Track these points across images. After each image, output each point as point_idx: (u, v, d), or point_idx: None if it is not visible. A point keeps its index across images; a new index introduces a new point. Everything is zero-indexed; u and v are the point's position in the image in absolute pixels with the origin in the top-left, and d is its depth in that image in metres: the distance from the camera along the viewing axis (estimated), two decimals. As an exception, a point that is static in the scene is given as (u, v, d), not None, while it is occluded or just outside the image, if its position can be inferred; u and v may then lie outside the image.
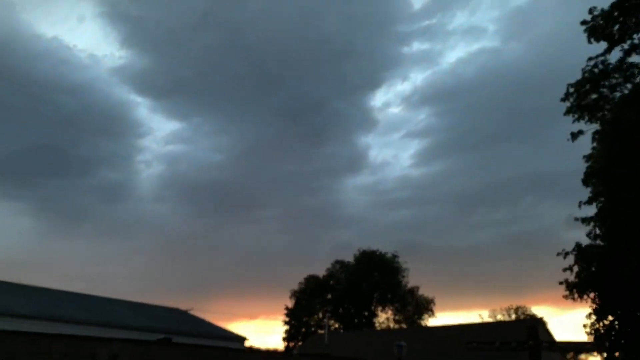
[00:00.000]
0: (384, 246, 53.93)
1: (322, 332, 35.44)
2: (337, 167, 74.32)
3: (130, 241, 69.02)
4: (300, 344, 43.18)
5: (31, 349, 4.50)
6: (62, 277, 60.87)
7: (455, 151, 70.95)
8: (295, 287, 49.05)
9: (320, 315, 47.17)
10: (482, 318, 53.28)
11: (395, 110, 76.43)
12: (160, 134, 75.31)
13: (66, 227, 64.68)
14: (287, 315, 46.99)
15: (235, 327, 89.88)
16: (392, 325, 46.00)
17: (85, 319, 19.87)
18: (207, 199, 73.69)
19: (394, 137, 77.31)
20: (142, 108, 71.11)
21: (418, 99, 72.24)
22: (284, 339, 46.42)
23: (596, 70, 16.73)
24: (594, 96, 16.95)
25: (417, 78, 75.84)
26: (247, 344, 27.69)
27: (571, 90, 17.07)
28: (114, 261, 67.97)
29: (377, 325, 45.95)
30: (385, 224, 69.72)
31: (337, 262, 49.62)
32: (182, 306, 36.00)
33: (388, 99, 76.69)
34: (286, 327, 46.74)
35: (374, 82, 70.75)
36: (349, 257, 49.93)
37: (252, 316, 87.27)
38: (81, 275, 64.05)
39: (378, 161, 76.03)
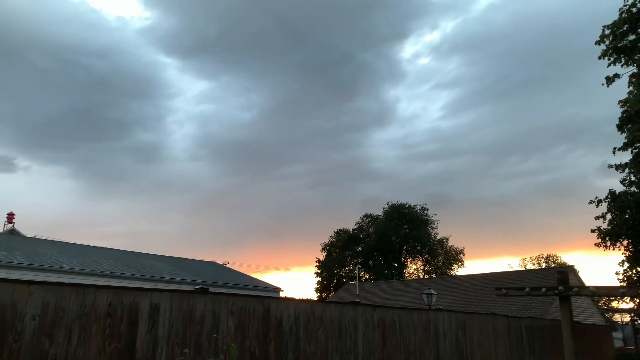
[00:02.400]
0: (413, 199, 54.29)
1: (353, 282, 36.38)
2: (366, 122, 73.72)
3: (166, 199, 71.59)
4: (332, 294, 44.60)
5: (78, 299, 4.82)
6: (103, 234, 64.38)
7: (485, 101, 68.98)
8: (326, 240, 50.23)
9: (351, 267, 48.31)
10: (512, 267, 53.43)
11: (424, 61, 74.04)
12: (190, 94, 75.96)
13: (105, 187, 67.52)
14: (318, 267, 48.23)
15: (270, 278, 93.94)
16: (421, 275, 46.76)
17: (127, 273, 21.01)
18: (239, 157, 74.98)
19: (423, 89, 75.38)
20: (171, 69, 71.43)
21: (447, 49, 69.67)
22: (317, 290, 47.96)
23: (634, 9, 15.56)
24: (631, 37, 15.89)
25: (447, 26, 72.60)
26: (281, 294, 28.80)
27: (607, 32, 16.01)
28: (152, 219, 71.18)
29: (406, 276, 46.76)
30: (414, 177, 69.67)
31: (366, 215, 50.12)
32: (219, 260, 37.63)
33: (417, 49, 74.14)
34: (318, 279, 48.17)
35: (401, 33, 68.29)
36: (378, 211, 50.42)
37: (286, 268, 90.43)
38: (121, 232, 67.61)
39: (407, 114, 74.82)
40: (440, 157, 70.59)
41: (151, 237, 69.39)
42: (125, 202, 68.62)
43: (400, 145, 73.41)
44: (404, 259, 47.82)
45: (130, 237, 68.84)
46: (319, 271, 48.20)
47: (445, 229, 56.78)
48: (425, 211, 47.66)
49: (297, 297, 7.93)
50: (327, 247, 49.29)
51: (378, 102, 72.56)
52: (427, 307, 16.05)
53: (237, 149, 73.31)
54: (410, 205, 47.82)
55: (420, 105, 78.32)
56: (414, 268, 47.70)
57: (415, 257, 47.37)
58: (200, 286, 6.87)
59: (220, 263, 37.69)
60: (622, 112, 16.46)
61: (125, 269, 21.99)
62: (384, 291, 30.22)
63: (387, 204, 48.69)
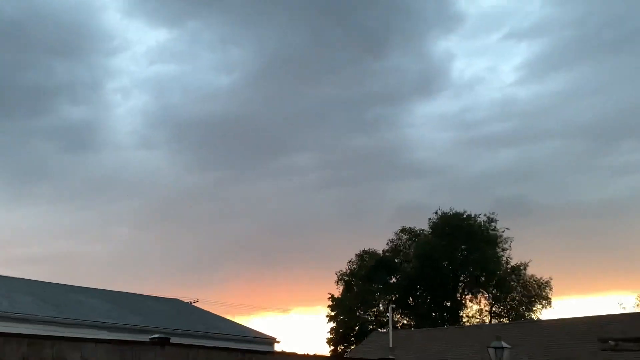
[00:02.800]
0: (475, 206, 53.73)
1: (385, 330, 36.31)
2: (402, 89, 73.68)
3: (106, 206, 72.22)
4: (352, 347, 44.63)
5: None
6: (13, 258, 65.22)
7: (585, 57, 68.32)
8: (344, 267, 50.24)
9: (381, 307, 48.23)
10: (625, 308, 52.92)
11: (490, -2, 73.75)
12: (140, 48, 76.43)
13: (15, 189, 68.18)
14: (332, 307, 48.37)
15: (260, 324, 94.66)
16: (487, 320, 46.60)
17: (48, 316, 21.18)
18: (213, 143, 75.52)
19: (490, 40, 75.07)
20: (112, 11, 71.89)
21: (527, -23, 69.40)
22: (330, 341, 48.03)
23: None
24: None
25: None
26: (277, 347, 28.95)
27: None
28: (84, 235, 71.86)
29: (465, 321, 46.63)
30: (476, 174, 69.42)
31: (404, 231, 50.01)
32: (184, 297, 37.89)
33: (479, -21, 73.77)
34: (332, 325, 48.24)
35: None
36: (422, 224, 50.15)
37: (284, 309, 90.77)
38: (40, 255, 68.32)
39: (465, 78, 74.57)
40: (516, 143, 70.31)
41: (83, 262, 70.18)
42: (45, 211, 69.36)
43: (455, 124, 73.33)
44: (461, 295, 47.71)
45: (52, 261, 69.60)
46: (332, 313, 48.31)
47: (522, 251, 56.11)
48: (493, 224, 47.48)
49: (300, 351, 7.96)
50: (346, 278, 49.35)
51: (421, 60, 72.37)
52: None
53: (210, 130, 73.78)
54: (470, 216, 47.62)
55: (486, 64, 78.11)
56: (475, 309, 47.66)
57: (478, 292, 47.20)
58: (157, 336, 6.87)
59: (186, 301, 37.99)
60: None
61: (46, 309, 22.15)
62: (430, 343, 30.12)
63: (436, 213, 48.55)
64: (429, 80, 72.83)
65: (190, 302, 40.84)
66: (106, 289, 30.04)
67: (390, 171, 73.60)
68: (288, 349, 27.57)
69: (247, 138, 74.18)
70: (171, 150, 74.63)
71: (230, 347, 12.79)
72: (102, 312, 24.94)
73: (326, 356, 30.61)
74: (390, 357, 20.35)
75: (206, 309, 35.59)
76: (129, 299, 29.80)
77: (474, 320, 46.75)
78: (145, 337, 14.66)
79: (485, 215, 47.78)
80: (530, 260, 46.84)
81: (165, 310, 30.34)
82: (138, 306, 28.57)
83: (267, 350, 24.17)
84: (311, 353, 18.17)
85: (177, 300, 35.24)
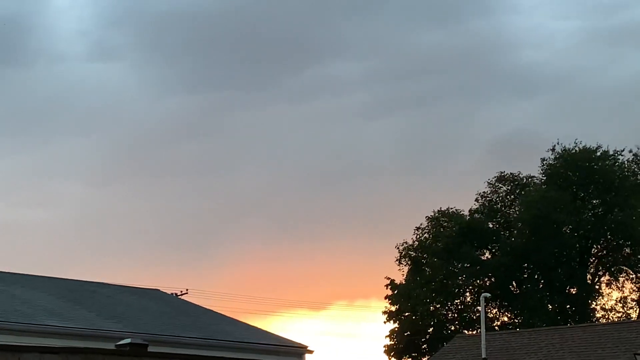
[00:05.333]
0: (614, 137, 52.98)
1: (474, 332, 36.43)
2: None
3: (48, 149, 73.21)
4: (425, 358, 45.19)
5: None
6: None
7: None
8: (409, 237, 50.63)
9: (469, 297, 48.70)
10: None
11: None
12: None
13: None
14: (393, 299, 48.85)
15: (282, 327, 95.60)
16: (634, 314, 46.85)
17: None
18: (203, 49, 75.09)
19: None
20: None
21: None
22: (390, 350, 48.68)
23: None
24: None
25: None
26: (310, 358, 29.55)
27: None
28: (18, 195, 72.87)
29: (599, 315, 46.85)
30: (618, 85, 68.27)
31: (502, 178, 50.30)
32: (167, 287, 38.71)
33: None
34: (393, 326, 48.94)
35: None
36: (531, 167, 50.19)
37: (317, 305, 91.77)
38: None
39: None
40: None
41: (18, 236, 71.33)
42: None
43: (586, 9, 71.65)
44: (594, 277, 47.94)
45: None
46: (393, 308, 48.81)
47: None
48: (645, 164, 47.29)
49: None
50: (412, 254, 49.73)
51: None
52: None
53: (197, 30, 73.57)
54: (606, 153, 47.51)
55: None
56: (616, 297, 47.76)
57: (621, 272, 47.26)
58: (127, 340, 7.29)
59: (170, 293, 38.84)
60: None
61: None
62: (546, 349, 30.41)
63: (552, 149, 48.56)
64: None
65: (176, 294, 41.73)
66: (54, 277, 30.77)
67: (481, 85, 73.00)
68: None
69: (253, 40, 73.35)
70: (140, 62, 74.96)
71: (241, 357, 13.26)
72: (49, 310, 25.59)
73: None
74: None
75: (200, 305, 36.29)
76: (87, 290, 30.47)
77: (614, 316, 46.94)
78: (111, 345, 15.07)
79: (631, 151, 47.78)
80: None
81: (140, 306, 30.99)
82: (101, 301, 29.19)
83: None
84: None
85: (156, 291, 35.87)
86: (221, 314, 33.92)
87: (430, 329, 48.14)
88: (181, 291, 45.14)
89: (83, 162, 71.42)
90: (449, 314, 48.95)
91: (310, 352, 30.38)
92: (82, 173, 72.08)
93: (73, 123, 72.19)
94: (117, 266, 71.74)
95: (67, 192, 71.41)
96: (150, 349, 13.54)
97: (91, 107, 72.27)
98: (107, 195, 74.27)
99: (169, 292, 39.29)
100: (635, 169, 47.33)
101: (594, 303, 47.43)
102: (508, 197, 50.17)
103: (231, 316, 34.43)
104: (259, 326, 33.32)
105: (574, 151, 47.58)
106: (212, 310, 34.44)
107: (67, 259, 69.64)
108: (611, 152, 47.42)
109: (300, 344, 30.91)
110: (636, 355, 20.87)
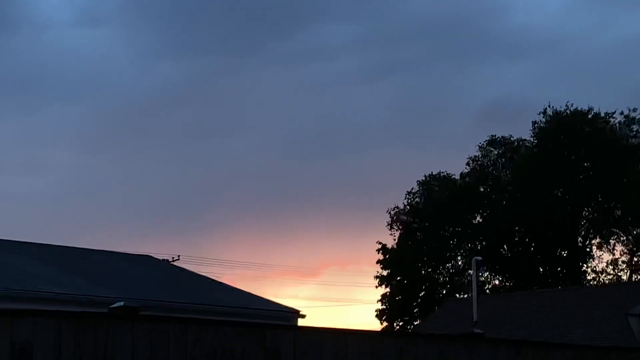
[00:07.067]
0: (606, 100, 52.90)
1: (466, 295, 36.37)
2: None
3: (35, 116, 72.88)
4: (417, 323, 45.27)
5: None
6: None
7: None
8: (400, 202, 50.64)
9: (460, 261, 48.74)
10: None
11: None
12: None
13: None
14: (385, 263, 48.86)
15: (274, 293, 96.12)
16: (624, 276, 46.86)
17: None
18: (193, 13, 74.53)
19: None
20: None
21: None
22: (382, 314, 48.82)
23: None
24: None
25: None
26: (302, 322, 29.45)
27: None
28: (7, 162, 72.76)
29: (590, 278, 46.99)
30: (609, 47, 68.06)
31: (493, 142, 50.19)
32: (159, 253, 38.55)
33: None
34: (385, 290, 48.99)
35: None
36: (522, 131, 50.10)
37: (312, 271, 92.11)
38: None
39: None
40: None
41: (6, 204, 71.15)
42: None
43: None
44: (585, 239, 47.92)
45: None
46: (384, 273, 48.83)
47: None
48: (635, 127, 47.31)
49: (339, 327, 8.15)
50: (404, 218, 49.62)
51: None
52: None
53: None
54: (598, 115, 47.29)
55: None
56: (607, 260, 47.82)
57: (612, 234, 47.25)
58: (120, 303, 7.00)
59: (160, 258, 38.74)
60: None
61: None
62: (538, 312, 30.39)
63: (544, 112, 48.36)
64: None
65: (168, 261, 41.61)
66: (45, 244, 30.55)
67: (472, 48, 72.90)
68: (319, 325, 28.01)
69: (242, 4, 73.14)
70: (127, 29, 74.45)
71: (237, 321, 13.01)
72: (41, 276, 25.47)
73: (379, 331, 30.97)
74: (476, 330, 20.54)
75: (195, 270, 36.26)
76: (78, 257, 30.32)
77: (606, 278, 47.01)
78: (104, 311, 14.94)
79: (622, 113, 47.44)
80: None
81: (131, 272, 30.92)
82: (91, 267, 29.07)
83: (286, 324, 24.59)
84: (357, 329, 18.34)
85: (147, 257, 35.83)
86: (213, 280, 33.97)
87: (422, 293, 48.21)
88: (173, 257, 45.07)
89: (72, 129, 71.30)
90: (440, 278, 48.93)
91: (303, 316, 30.46)
92: (71, 141, 71.89)
93: (62, 90, 71.95)
94: (108, 233, 71.66)
95: (57, 159, 71.19)
96: (142, 313, 13.48)
97: (79, 75, 72.13)
98: (97, 163, 74.18)
99: (161, 258, 39.21)
100: (627, 131, 47.13)
101: (585, 266, 47.47)
102: (499, 160, 50.04)
103: (223, 282, 34.53)
104: (251, 291, 33.31)
105: (565, 114, 47.39)
106: (203, 276, 34.45)
107: (58, 226, 69.55)
108: (602, 115, 47.20)
109: (292, 308, 31.00)
110: (627, 316, 20.84)
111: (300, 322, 29.52)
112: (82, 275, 27.31)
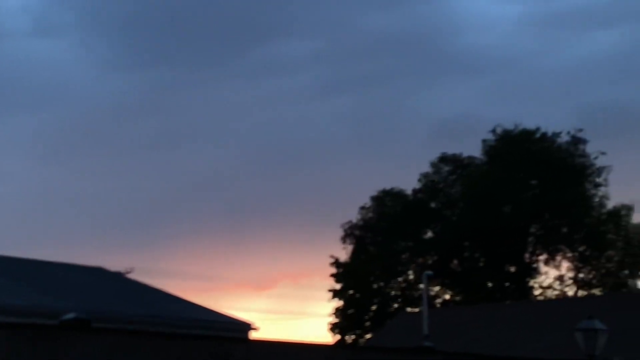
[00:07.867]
0: (553, 120, 53.15)
1: (417, 309, 36.51)
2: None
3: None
4: (368, 336, 45.29)
5: None
6: None
7: None
8: (354, 216, 50.53)
9: (411, 275, 48.74)
10: None
11: None
12: None
13: None
14: (338, 277, 48.79)
15: (227, 306, 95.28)
16: (571, 292, 47.03)
17: None
18: (152, 25, 73.85)
19: None
20: None
21: None
22: (335, 327, 48.65)
23: None
24: None
25: None
26: (255, 335, 29.47)
27: None
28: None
29: (538, 293, 47.29)
30: (557, 69, 68.63)
31: (444, 159, 50.31)
32: (112, 265, 38.19)
33: None
34: (339, 302, 48.86)
35: None
36: (473, 148, 50.29)
37: (266, 284, 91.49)
38: None
39: None
40: (617, 21, 69.44)
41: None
42: None
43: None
44: (532, 255, 48.25)
45: None
46: (338, 287, 48.82)
47: (625, 187, 55.81)
48: (581, 146, 47.68)
49: (291, 340, 8.28)
50: (357, 233, 49.74)
51: None
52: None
53: (141, 4, 72.38)
54: (545, 135, 47.78)
55: None
56: (553, 276, 48.21)
57: (558, 250, 47.69)
58: (71, 315, 7.05)
59: (113, 271, 38.40)
60: None
61: None
62: (486, 327, 30.63)
63: (493, 131, 48.68)
64: None
65: (121, 273, 41.19)
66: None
67: (429, 66, 72.82)
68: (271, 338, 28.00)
69: (201, 18, 72.65)
70: (85, 39, 73.68)
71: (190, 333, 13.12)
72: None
73: (332, 344, 31.05)
74: (427, 343, 20.66)
75: (148, 283, 35.99)
76: (28, 268, 30.00)
77: (552, 293, 47.35)
78: (55, 322, 14.85)
79: (569, 133, 47.77)
80: (635, 204, 47.27)
81: (83, 283, 30.67)
82: (44, 279, 28.82)
83: (239, 337, 24.62)
84: (309, 342, 18.49)
85: (100, 269, 35.47)
86: (166, 292, 33.73)
87: (374, 307, 48.29)
88: (126, 269, 44.58)
89: (27, 139, 70.31)
90: (392, 292, 49.02)
91: (255, 329, 30.49)
92: (28, 150, 70.93)
93: (20, 100, 70.91)
94: (62, 245, 70.60)
95: (13, 169, 70.22)
96: (94, 325, 13.42)
97: (37, 84, 71.07)
98: (51, 173, 73.19)
99: (112, 268, 38.80)
100: (572, 151, 47.62)
101: (532, 281, 47.84)
102: (450, 177, 50.24)
103: (177, 294, 34.33)
104: (206, 304, 33.22)
105: (514, 133, 47.84)
106: (157, 288, 34.19)
107: (9, 237, 68.52)
108: (549, 134, 47.75)
109: (245, 320, 30.98)
110: (574, 331, 21.07)
111: (254, 335, 29.53)
112: (32, 286, 27.05)
